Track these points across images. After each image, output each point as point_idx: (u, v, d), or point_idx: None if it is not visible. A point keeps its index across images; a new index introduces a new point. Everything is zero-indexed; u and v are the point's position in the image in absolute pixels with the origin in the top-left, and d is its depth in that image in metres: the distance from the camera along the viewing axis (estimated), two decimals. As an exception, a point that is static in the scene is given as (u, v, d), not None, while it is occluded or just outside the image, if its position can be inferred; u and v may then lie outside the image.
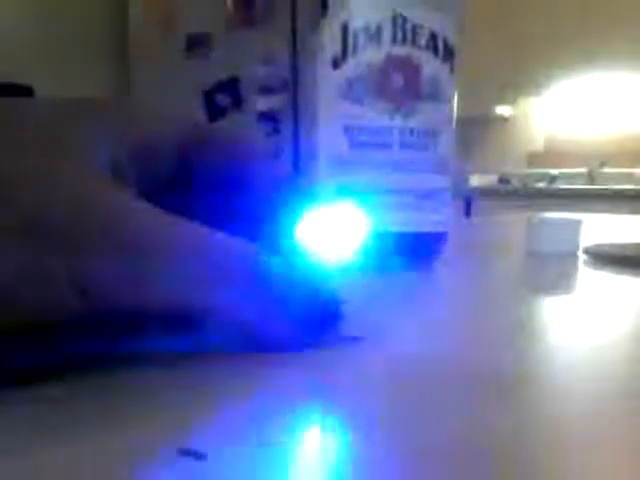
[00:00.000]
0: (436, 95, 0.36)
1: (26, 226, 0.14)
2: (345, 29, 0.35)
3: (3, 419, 0.13)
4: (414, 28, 0.35)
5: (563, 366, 0.18)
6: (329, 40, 0.35)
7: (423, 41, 0.35)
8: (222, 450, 0.12)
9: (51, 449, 0.12)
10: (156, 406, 0.14)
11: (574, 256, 0.43)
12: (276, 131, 0.47)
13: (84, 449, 0.12)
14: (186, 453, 0.11)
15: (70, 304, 0.14)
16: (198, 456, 0.11)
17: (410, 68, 0.35)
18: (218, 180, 0.20)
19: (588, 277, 0.36)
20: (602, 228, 0.75)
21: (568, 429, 0.13)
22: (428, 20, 0.35)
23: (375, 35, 0.35)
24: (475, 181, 3.12)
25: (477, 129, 3.24)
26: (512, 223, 0.83)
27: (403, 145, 0.35)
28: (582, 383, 0.16)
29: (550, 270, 0.38)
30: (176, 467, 0.11)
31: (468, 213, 2.75)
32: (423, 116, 0.36)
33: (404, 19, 0.35)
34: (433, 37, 0.35)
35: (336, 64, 0.35)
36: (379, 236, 0.35)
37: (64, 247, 0.14)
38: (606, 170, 2.98)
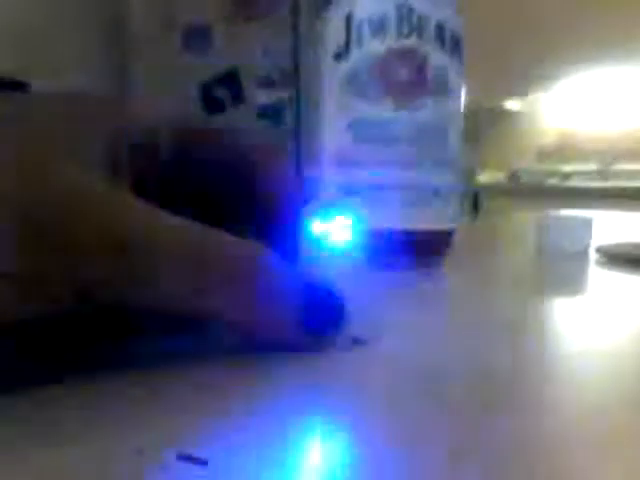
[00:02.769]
0: (443, 89, 0.35)
1: (24, 226, 0.13)
2: (349, 20, 0.34)
3: (3, 419, 0.13)
4: (420, 19, 0.34)
5: (573, 368, 0.17)
6: (332, 32, 0.35)
7: (429, 32, 0.34)
8: (222, 455, 0.11)
9: (51, 450, 0.12)
10: (157, 408, 0.14)
11: (586, 255, 0.43)
12: (277, 126, 0.47)
13: (84, 451, 0.12)
14: (186, 458, 0.11)
15: (69, 305, 0.14)
16: (198, 462, 0.11)
17: (416, 61, 0.34)
18: (217, 177, 0.19)
19: (600, 277, 0.35)
20: (615, 226, 0.75)
21: (579, 431, 0.13)
22: (434, 11, 0.34)
23: (380, 26, 0.34)
24: (484, 177, 3.11)
25: (486, 124, 3.22)
26: (522, 220, 0.83)
27: (409, 140, 0.34)
28: (590, 385, 0.16)
29: (561, 270, 0.38)
30: (175, 471, 0.11)
31: (477, 210, 2.74)
32: (430, 110, 0.35)
33: (410, 9, 0.34)
34: (440, 28, 0.34)
35: (340, 56, 0.35)
36: (385, 233, 0.35)
37: (62, 247, 0.14)
38: (619, 167, 2.96)
